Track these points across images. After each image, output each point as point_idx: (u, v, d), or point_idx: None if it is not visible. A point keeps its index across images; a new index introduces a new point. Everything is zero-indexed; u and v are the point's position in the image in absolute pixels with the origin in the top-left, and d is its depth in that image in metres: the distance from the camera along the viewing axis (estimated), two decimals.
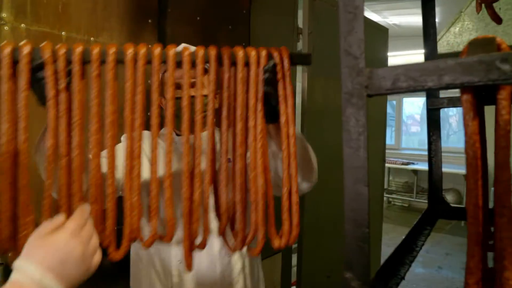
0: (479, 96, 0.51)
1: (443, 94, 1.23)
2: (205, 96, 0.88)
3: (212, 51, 0.82)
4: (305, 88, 2.28)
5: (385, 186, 6.98)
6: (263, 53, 0.82)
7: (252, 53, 0.81)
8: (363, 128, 0.52)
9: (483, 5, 1.09)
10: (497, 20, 1.05)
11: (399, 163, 6.75)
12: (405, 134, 7.61)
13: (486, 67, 0.41)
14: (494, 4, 1.07)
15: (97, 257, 0.66)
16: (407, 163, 6.71)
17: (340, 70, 0.55)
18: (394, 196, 7.25)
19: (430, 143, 1.24)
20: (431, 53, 1.24)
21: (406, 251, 0.95)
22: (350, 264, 0.55)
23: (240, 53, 0.81)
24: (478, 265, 0.48)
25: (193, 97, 0.82)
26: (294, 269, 2.44)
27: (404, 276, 0.82)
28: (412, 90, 0.47)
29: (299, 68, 2.34)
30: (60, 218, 0.65)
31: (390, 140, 7.36)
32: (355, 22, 0.52)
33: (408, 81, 0.47)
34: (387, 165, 5.70)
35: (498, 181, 0.46)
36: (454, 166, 6.37)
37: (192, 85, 0.83)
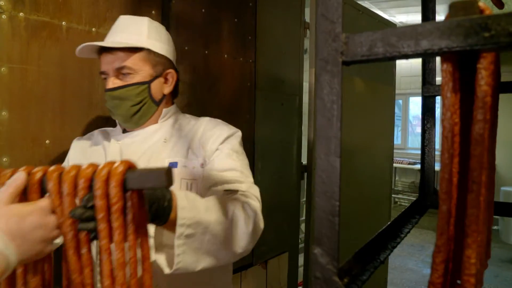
0: (468, 73, 0.47)
1: (439, 81, 1.19)
2: None
3: None
4: (312, 85, 2.23)
5: (392, 187, 6.90)
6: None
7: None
8: (337, 97, 0.48)
9: None
10: (499, 4, 0.99)
11: (405, 163, 6.68)
12: (411, 134, 7.54)
13: (464, 31, 0.37)
14: None
15: (50, 247, 0.64)
16: (414, 163, 6.64)
17: (317, 36, 0.51)
18: (400, 196, 7.18)
19: (424, 131, 1.19)
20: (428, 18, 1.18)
21: (390, 237, 0.89)
22: (319, 239, 0.50)
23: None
24: (446, 243, 0.45)
25: None
26: (301, 269, 2.39)
27: (384, 261, 0.76)
28: (388, 57, 0.43)
29: (306, 63, 2.28)
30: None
31: (396, 140, 7.29)
32: None
33: (385, 46, 0.43)
34: (393, 164, 5.64)
35: (472, 155, 0.42)
36: None
37: None
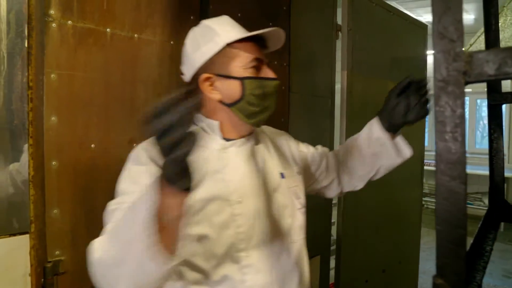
0: None
1: (505, 88, 1.15)
2: None
3: None
4: (344, 87, 2.21)
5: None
6: None
7: None
8: (461, 120, 0.45)
9: None
10: None
11: (433, 165, 6.53)
12: None
13: None
14: None
15: None
16: None
17: (434, 56, 0.49)
18: (427, 199, 7.03)
19: (491, 141, 1.16)
20: (494, 45, 1.15)
21: (477, 257, 0.87)
22: (442, 270, 0.49)
23: None
24: None
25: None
26: (332, 272, 2.37)
27: (481, 284, 0.74)
28: None
29: (338, 66, 2.26)
30: None
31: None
32: (452, 1, 0.46)
33: None
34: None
35: None
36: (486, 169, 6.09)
37: None
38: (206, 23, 1.01)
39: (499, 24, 4.00)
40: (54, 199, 1.16)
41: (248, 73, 0.94)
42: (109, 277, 0.74)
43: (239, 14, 1.65)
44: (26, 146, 1.11)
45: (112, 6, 1.25)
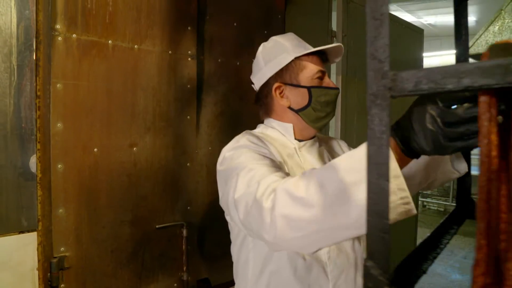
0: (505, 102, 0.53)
1: None
2: None
3: None
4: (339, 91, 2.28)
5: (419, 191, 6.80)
6: None
7: None
8: (386, 128, 0.54)
9: None
10: None
11: None
12: None
13: (503, 71, 0.43)
14: None
15: None
16: None
17: (367, 73, 0.58)
18: (429, 200, 7.08)
19: None
20: (463, 54, 1.22)
21: (430, 248, 0.94)
22: (371, 254, 0.56)
23: None
24: (484, 257, 0.50)
25: None
26: None
27: (426, 271, 0.81)
28: (432, 92, 0.49)
29: (333, 71, 2.34)
30: None
31: None
32: (381, 28, 0.54)
33: (429, 83, 0.49)
34: None
35: (510, 179, 0.48)
36: None
37: None
38: (276, 38, 1.14)
39: (496, 28, 4.05)
40: (60, 199, 1.25)
41: (314, 83, 1.07)
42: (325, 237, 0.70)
43: (235, 24, 1.73)
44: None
45: (113, 20, 1.34)
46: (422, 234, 5.73)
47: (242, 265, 1.07)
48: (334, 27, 2.34)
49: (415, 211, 0.64)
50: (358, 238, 1.12)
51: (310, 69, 1.07)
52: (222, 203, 0.98)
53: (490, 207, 0.52)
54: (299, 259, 0.99)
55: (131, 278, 1.43)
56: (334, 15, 2.36)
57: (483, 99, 0.51)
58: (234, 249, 1.12)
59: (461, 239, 5.47)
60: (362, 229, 0.64)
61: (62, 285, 1.26)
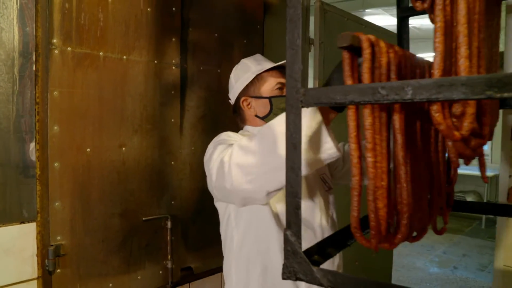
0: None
1: None
2: None
3: None
4: None
5: None
6: None
7: None
8: (299, 130, 0.72)
9: None
10: None
11: None
12: None
13: (372, 91, 0.61)
14: None
15: None
16: None
17: (286, 89, 0.75)
18: None
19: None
20: None
21: (364, 226, 1.10)
22: (289, 224, 0.74)
23: None
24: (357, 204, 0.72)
25: None
26: None
27: (350, 245, 0.97)
28: (329, 104, 0.67)
29: (310, 75, 2.51)
30: None
31: None
32: (296, 55, 0.72)
33: (327, 98, 0.67)
34: None
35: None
36: (475, 168, 6.36)
37: None
38: (244, 61, 1.38)
39: None
40: (57, 194, 1.41)
41: (274, 93, 1.28)
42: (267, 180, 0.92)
43: (216, 35, 1.90)
44: None
45: (104, 34, 1.50)
46: None
47: (228, 241, 1.28)
48: (312, 35, 2.51)
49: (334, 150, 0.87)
50: (326, 216, 1.30)
51: (270, 83, 1.29)
52: (209, 187, 1.17)
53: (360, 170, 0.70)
54: (273, 233, 1.19)
55: (120, 265, 1.59)
56: (311, 23, 2.53)
57: (351, 110, 0.70)
58: (222, 228, 1.33)
59: (443, 235, 5.68)
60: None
61: (58, 270, 1.42)
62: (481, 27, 0.77)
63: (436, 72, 0.66)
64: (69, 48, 1.41)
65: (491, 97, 0.55)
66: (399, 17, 1.43)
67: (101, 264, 1.53)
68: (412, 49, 3.51)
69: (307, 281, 0.74)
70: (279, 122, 0.89)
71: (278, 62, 1.30)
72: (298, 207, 0.74)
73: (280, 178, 0.87)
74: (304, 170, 0.81)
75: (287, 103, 0.74)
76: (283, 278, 0.76)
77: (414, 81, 0.61)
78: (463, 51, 0.65)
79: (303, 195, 1.27)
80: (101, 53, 1.49)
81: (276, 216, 1.20)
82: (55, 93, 1.38)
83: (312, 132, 0.86)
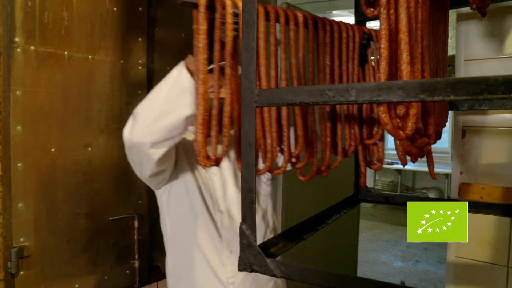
0: None
1: None
2: None
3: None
4: None
5: (372, 185, 7.23)
6: None
7: None
8: (253, 128, 0.76)
9: None
10: None
11: (384, 163, 6.98)
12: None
13: (319, 93, 0.66)
14: None
15: None
16: (392, 163, 6.97)
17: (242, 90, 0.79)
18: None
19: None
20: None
21: (318, 222, 1.17)
22: (245, 218, 0.78)
23: None
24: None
25: None
26: None
27: (306, 238, 1.03)
28: (281, 104, 0.72)
29: None
30: None
31: None
32: (251, 58, 0.77)
33: (279, 99, 0.72)
34: None
35: None
36: (437, 166, 6.59)
37: None
38: None
39: None
40: (20, 194, 1.39)
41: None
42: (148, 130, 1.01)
43: (182, 35, 1.92)
44: None
45: (69, 33, 1.49)
46: (372, 226, 6.13)
47: (164, 228, 1.35)
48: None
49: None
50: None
51: None
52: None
53: None
54: (201, 223, 1.25)
55: (86, 265, 1.58)
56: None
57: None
58: (161, 218, 1.37)
59: (406, 230, 5.89)
60: (171, 115, 0.98)
61: (22, 272, 1.40)
62: (424, 34, 0.84)
63: (382, 76, 0.72)
64: (32, 47, 1.39)
65: (424, 100, 0.60)
66: (357, 21, 1.51)
67: (67, 265, 1.52)
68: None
69: (261, 272, 0.78)
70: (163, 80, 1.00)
71: None
72: (252, 202, 0.78)
73: (164, 123, 0.99)
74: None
75: (243, 103, 0.78)
76: (239, 270, 0.80)
77: (358, 84, 0.67)
78: (404, 57, 0.71)
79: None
80: (65, 52, 1.48)
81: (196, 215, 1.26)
82: (17, 92, 1.36)
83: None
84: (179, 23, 1.91)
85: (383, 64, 0.72)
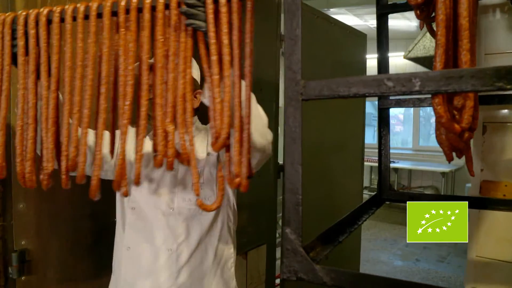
0: None
1: (392, 97, 1.43)
2: None
3: None
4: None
5: (368, 184, 7.20)
6: None
7: None
8: (299, 124, 0.69)
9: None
10: (434, 35, 1.23)
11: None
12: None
13: (377, 83, 0.60)
14: None
15: None
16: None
17: (284, 81, 0.72)
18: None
19: (380, 137, 1.44)
20: (383, 59, 1.42)
21: (349, 224, 1.11)
22: (289, 222, 0.72)
23: None
24: None
25: None
26: (278, 262, 2.59)
27: (342, 241, 0.98)
28: (331, 97, 0.65)
29: (281, 73, 2.49)
30: None
31: (372, 139, 7.58)
32: (295, 46, 0.70)
33: (329, 91, 0.65)
34: (369, 163, 5.92)
35: None
36: (433, 164, 6.65)
37: None
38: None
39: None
40: (21, 194, 1.30)
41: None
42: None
43: None
44: None
45: None
46: (369, 225, 6.10)
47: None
48: (282, 31, 2.49)
49: None
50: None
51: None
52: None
53: None
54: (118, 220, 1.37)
55: (91, 269, 1.50)
56: (283, 19, 2.51)
57: None
58: None
59: (404, 229, 5.88)
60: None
61: (23, 277, 1.32)
62: (473, 23, 0.78)
63: (438, 65, 0.65)
64: None
65: (502, 88, 0.54)
66: (378, 14, 1.44)
67: (70, 269, 1.44)
68: (373, 50, 3.57)
69: (308, 280, 0.71)
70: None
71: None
72: (298, 204, 0.71)
73: None
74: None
75: (286, 95, 0.71)
76: (282, 278, 0.74)
77: (422, 72, 0.60)
78: (465, 43, 0.64)
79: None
80: None
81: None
82: None
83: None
84: None
85: (440, 52, 0.65)
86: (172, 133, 0.92)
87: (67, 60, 0.96)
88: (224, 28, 0.86)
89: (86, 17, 0.95)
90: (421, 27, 1.22)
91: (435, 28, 1.30)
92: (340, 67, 2.91)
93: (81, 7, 0.95)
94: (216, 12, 0.88)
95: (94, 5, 0.93)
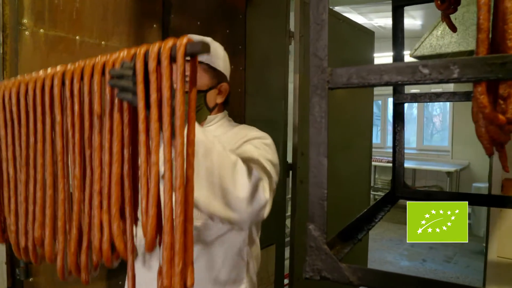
0: None
1: (407, 90, 1.39)
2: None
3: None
4: (296, 88, 2.40)
5: (372, 184, 7.15)
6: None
7: None
8: (325, 113, 0.65)
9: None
10: (453, 29, 1.18)
11: (384, 161, 6.92)
12: (390, 133, 7.79)
13: (412, 70, 0.55)
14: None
15: None
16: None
17: (310, 68, 0.67)
18: (380, 193, 7.44)
19: (395, 133, 1.39)
20: (399, 54, 1.38)
21: (366, 221, 1.07)
22: (312, 217, 0.67)
23: None
24: None
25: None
26: (286, 262, 2.55)
27: (361, 239, 0.94)
28: (361, 86, 0.61)
29: (291, 69, 2.46)
30: None
31: (376, 139, 7.54)
32: (322, 31, 0.65)
33: (358, 78, 0.61)
34: (373, 163, 5.88)
35: None
36: (438, 164, 6.60)
37: None
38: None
39: (439, 32, 4.31)
40: None
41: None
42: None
43: (198, 23, 1.80)
44: None
45: (80, 16, 1.36)
46: (375, 225, 6.04)
47: None
48: (292, 27, 2.45)
49: None
50: None
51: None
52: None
53: None
54: None
55: (100, 270, 1.46)
56: (292, 16, 2.48)
57: None
58: None
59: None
60: None
61: (31, 279, 1.28)
62: None
63: (481, 50, 0.61)
64: (41, 30, 1.27)
65: None
66: (394, 7, 1.40)
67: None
68: (377, 48, 3.50)
69: (333, 280, 0.67)
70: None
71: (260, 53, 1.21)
72: (323, 199, 0.67)
73: None
74: None
75: (311, 83, 0.67)
76: (305, 278, 0.70)
77: (461, 58, 0.56)
78: (511, 27, 0.60)
79: None
80: (77, 37, 1.36)
81: None
82: None
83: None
84: (195, 10, 1.79)
85: (483, 37, 0.61)
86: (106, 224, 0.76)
87: None
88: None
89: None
90: (442, 19, 1.17)
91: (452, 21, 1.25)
92: (348, 65, 2.86)
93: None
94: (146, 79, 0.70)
95: None
